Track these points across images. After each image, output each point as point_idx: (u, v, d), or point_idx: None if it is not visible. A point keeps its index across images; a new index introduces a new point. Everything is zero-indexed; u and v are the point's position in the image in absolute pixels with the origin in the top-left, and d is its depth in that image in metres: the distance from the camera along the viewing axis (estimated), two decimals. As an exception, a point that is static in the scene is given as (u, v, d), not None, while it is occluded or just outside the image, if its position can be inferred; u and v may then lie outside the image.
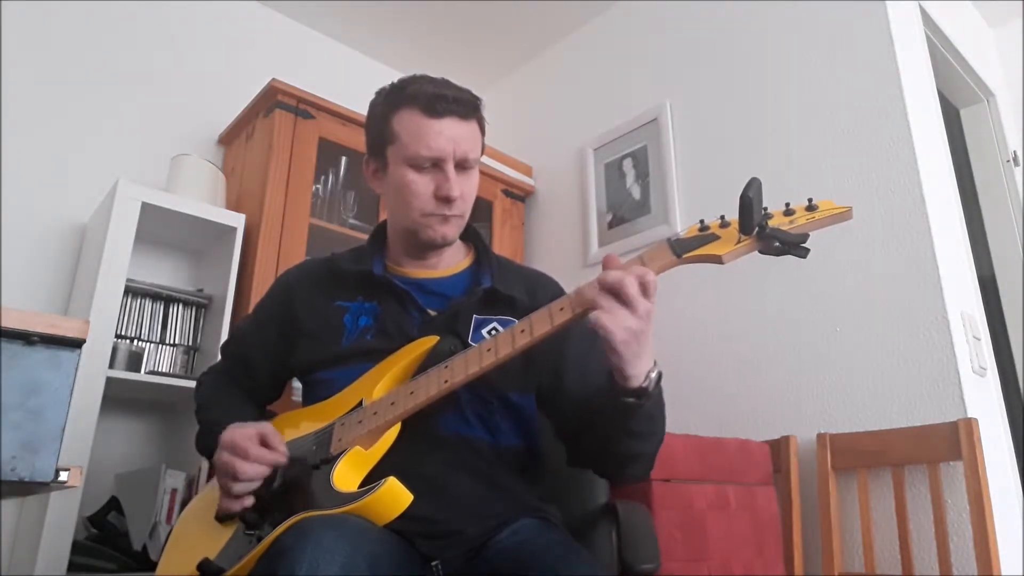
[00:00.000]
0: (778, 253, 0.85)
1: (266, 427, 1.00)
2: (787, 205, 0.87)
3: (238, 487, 0.96)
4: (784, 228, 0.84)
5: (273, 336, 1.18)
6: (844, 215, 0.86)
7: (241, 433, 0.98)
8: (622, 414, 0.92)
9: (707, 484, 1.56)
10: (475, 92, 1.16)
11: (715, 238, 0.87)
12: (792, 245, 0.84)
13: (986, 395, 1.74)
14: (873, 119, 1.89)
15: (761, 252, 0.86)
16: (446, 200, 1.08)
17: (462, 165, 1.10)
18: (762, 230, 0.84)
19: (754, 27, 2.23)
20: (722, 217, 0.89)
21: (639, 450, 1.00)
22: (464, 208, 1.13)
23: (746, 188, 0.82)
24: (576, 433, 1.07)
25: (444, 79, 1.14)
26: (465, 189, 1.11)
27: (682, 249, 0.88)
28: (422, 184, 1.09)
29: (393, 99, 1.12)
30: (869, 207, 1.84)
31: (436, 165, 1.09)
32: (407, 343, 1.03)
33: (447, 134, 1.08)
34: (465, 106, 1.11)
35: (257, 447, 0.97)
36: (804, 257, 0.84)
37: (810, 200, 0.87)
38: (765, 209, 0.85)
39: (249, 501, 0.97)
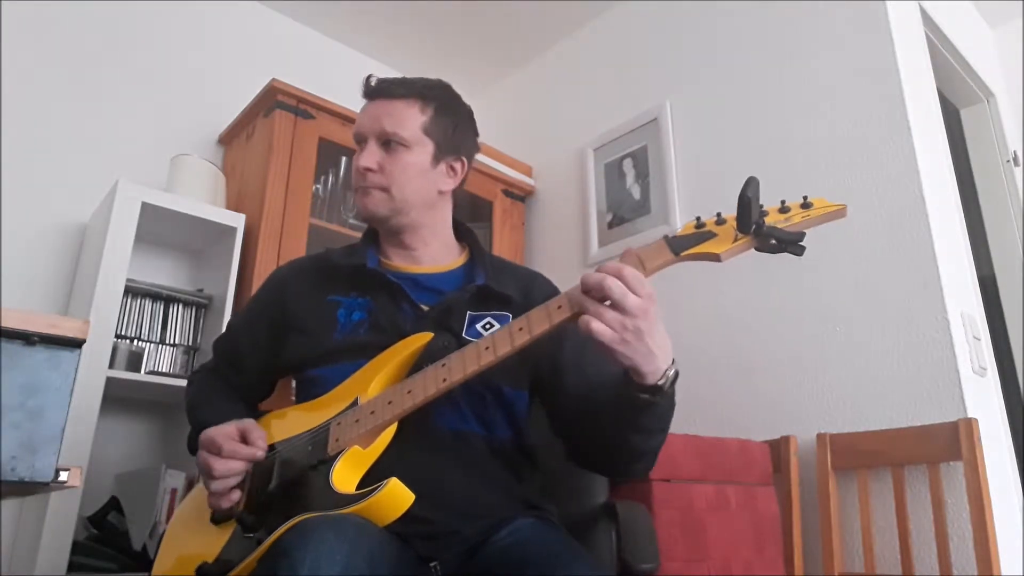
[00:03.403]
0: (775, 251, 0.85)
1: (247, 422, 1.01)
2: (782, 202, 0.87)
3: (215, 485, 0.96)
4: (780, 226, 0.84)
5: (264, 332, 1.18)
6: (839, 212, 0.86)
7: (217, 430, 0.99)
8: (633, 410, 0.91)
9: (707, 484, 1.56)
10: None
11: (712, 236, 0.87)
12: (788, 243, 0.84)
13: (986, 395, 1.74)
14: (873, 119, 1.89)
15: (758, 250, 0.86)
16: (358, 172, 1.14)
17: (383, 141, 1.14)
18: (759, 228, 0.84)
19: (754, 27, 2.23)
20: (718, 214, 0.89)
21: (646, 447, 0.99)
22: (384, 183, 1.14)
23: (745, 187, 0.82)
24: (576, 429, 1.07)
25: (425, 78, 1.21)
26: (387, 165, 1.14)
27: (679, 247, 0.88)
28: (354, 162, 1.15)
29: None
30: (869, 207, 1.84)
31: (362, 143, 1.15)
32: (400, 338, 1.03)
33: (369, 112, 1.16)
34: (395, 85, 1.17)
35: (231, 443, 0.97)
36: (800, 255, 0.84)
37: (805, 197, 0.87)
38: (761, 206, 0.85)
39: (235, 496, 0.97)
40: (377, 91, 1.16)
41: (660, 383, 0.87)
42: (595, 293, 0.84)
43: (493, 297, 1.12)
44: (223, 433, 0.99)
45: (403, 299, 1.10)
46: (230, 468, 0.96)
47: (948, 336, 1.66)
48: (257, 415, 1.15)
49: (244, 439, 0.99)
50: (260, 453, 0.98)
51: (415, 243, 1.18)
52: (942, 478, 1.58)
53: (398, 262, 1.18)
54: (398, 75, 1.21)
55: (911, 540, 1.59)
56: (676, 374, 0.90)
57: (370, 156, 1.12)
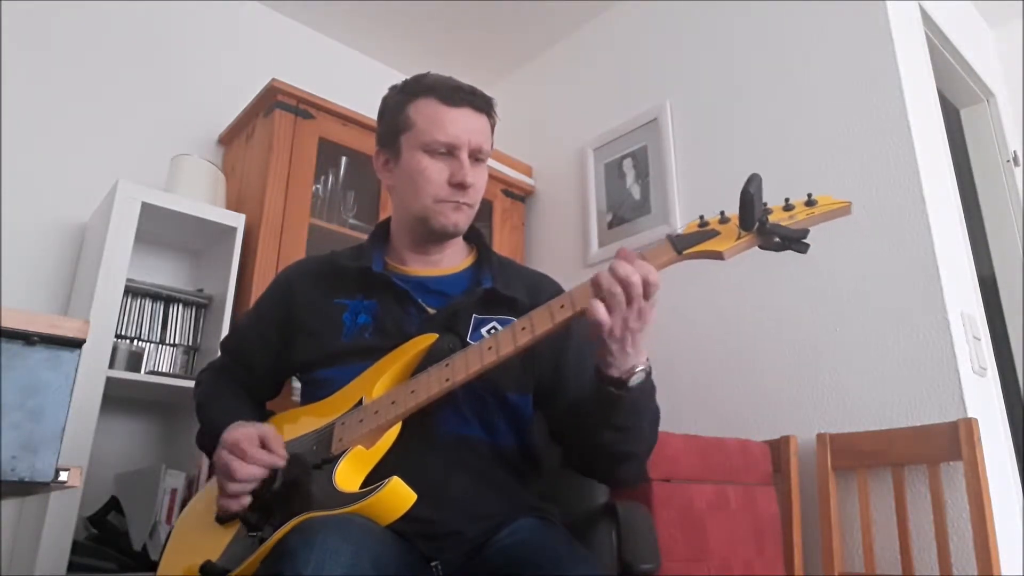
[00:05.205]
0: (778, 248, 0.85)
1: (267, 429, 1.01)
2: (786, 200, 0.87)
3: (234, 487, 0.96)
4: (784, 223, 0.84)
5: (272, 333, 1.18)
6: (843, 210, 0.86)
7: (242, 433, 0.99)
8: (604, 405, 0.94)
9: (707, 484, 1.56)
10: None
11: (715, 234, 0.87)
12: (792, 240, 0.84)
13: (986, 395, 1.74)
14: (873, 119, 1.89)
15: (761, 247, 0.86)
16: (460, 186, 1.10)
17: (475, 156, 1.12)
18: (762, 226, 0.84)
19: (754, 27, 2.23)
20: (721, 213, 0.89)
21: (625, 448, 1.00)
22: (475, 199, 1.15)
23: (747, 184, 0.82)
24: (568, 432, 1.07)
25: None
26: (477, 180, 1.13)
27: (683, 245, 0.88)
28: (436, 170, 1.10)
29: (410, 89, 1.15)
30: (869, 207, 1.84)
31: (451, 153, 1.11)
32: (405, 341, 1.03)
33: (463, 123, 1.10)
34: (480, 99, 1.14)
35: (256, 449, 0.97)
36: (804, 252, 0.85)
37: (809, 195, 0.87)
38: (765, 204, 0.85)
39: (246, 500, 0.97)
40: (465, 100, 1.12)
41: (624, 377, 0.90)
42: (621, 283, 0.85)
43: (499, 300, 1.12)
44: (248, 437, 0.98)
45: (409, 302, 1.10)
46: (251, 473, 0.96)
47: (948, 336, 1.66)
48: (265, 414, 1.16)
49: (264, 446, 0.99)
50: (281, 462, 0.97)
51: (442, 248, 1.18)
52: (942, 478, 1.58)
53: (411, 265, 1.17)
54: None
55: (911, 540, 1.59)
56: (647, 373, 0.92)
57: (472, 172, 1.11)
